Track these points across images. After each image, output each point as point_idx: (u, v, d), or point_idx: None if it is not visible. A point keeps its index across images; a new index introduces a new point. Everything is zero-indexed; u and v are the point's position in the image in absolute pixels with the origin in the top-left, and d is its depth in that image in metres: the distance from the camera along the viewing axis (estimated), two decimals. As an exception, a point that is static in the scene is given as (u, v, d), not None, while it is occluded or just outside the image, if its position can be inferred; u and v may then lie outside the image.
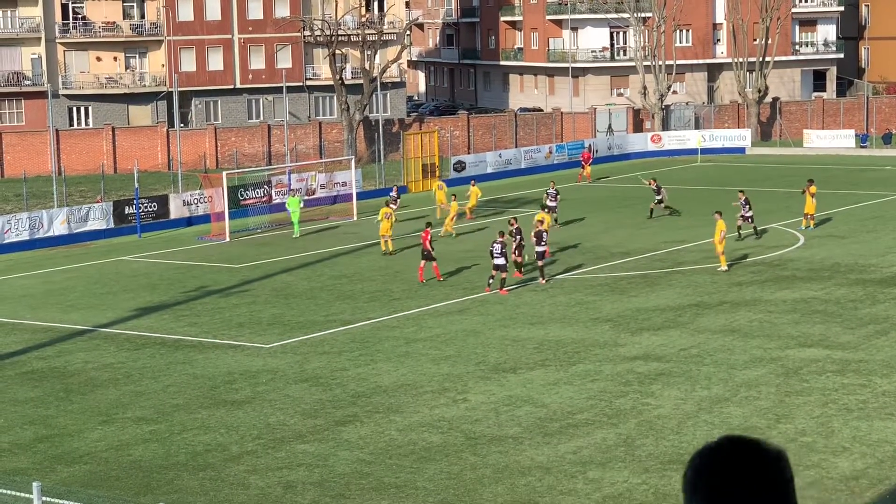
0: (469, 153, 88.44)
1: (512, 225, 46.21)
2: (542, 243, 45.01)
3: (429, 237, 45.63)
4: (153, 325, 40.34)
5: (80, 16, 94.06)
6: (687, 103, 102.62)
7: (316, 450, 27.05)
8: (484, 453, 26.47)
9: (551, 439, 27.23)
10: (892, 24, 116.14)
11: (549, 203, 57.89)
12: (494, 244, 43.34)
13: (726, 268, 45.74)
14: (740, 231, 52.61)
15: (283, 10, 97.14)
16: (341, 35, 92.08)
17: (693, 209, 62.99)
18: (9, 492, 23.94)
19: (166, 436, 28.40)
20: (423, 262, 45.72)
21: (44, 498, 20.26)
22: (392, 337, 37.49)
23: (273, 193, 67.28)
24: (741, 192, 54.86)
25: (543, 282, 44.87)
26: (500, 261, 43.05)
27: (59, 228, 58.91)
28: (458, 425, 28.42)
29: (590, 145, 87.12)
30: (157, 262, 53.05)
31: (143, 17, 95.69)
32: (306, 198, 66.33)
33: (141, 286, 47.37)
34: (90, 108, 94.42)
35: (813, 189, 54.89)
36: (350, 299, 43.40)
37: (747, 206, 52.72)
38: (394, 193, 61.39)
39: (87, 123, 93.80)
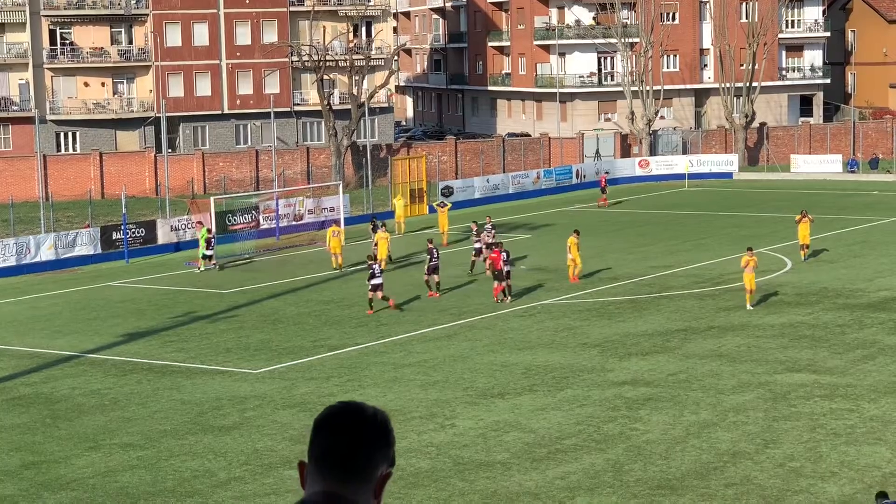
0: (457, 178, 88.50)
1: (428, 244, 49.15)
2: (506, 262, 46.21)
3: (500, 257, 46.11)
4: (140, 350, 40.23)
5: (67, 41, 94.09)
6: (674, 128, 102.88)
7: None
8: (472, 479, 26.41)
9: (539, 465, 27.18)
10: (877, 49, 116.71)
11: (487, 239, 53.47)
12: (506, 252, 46.65)
13: (750, 307, 43.60)
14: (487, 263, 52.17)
15: (270, 36, 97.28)
16: (329, 60, 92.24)
17: (681, 234, 63.09)
18: (-5, 519, 23.84)
19: (154, 462, 28.30)
20: (496, 282, 46.45)
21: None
22: (380, 362, 37.43)
23: (261, 219, 67.25)
24: (488, 217, 55.54)
25: (508, 300, 45.95)
26: (507, 268, 46.16)
27: (46, 254, 58.78)
28: (446, 451, 28.37)
29: (577, 170, 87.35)
30: (144, 288, 52.96)
31: (130, 42, 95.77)
32: (294, 223, 66.36)
33: (128, 312, 47.27)
34: (78, 134, 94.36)
35: (810, 218, 53.65)
36: (338, 325, 43.35)
37: (493, 231, 52.95)
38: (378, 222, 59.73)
39: (74, 149, 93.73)
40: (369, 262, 46.15)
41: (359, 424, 4.30)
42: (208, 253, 56.50)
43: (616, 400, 32.23)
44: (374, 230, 56.34)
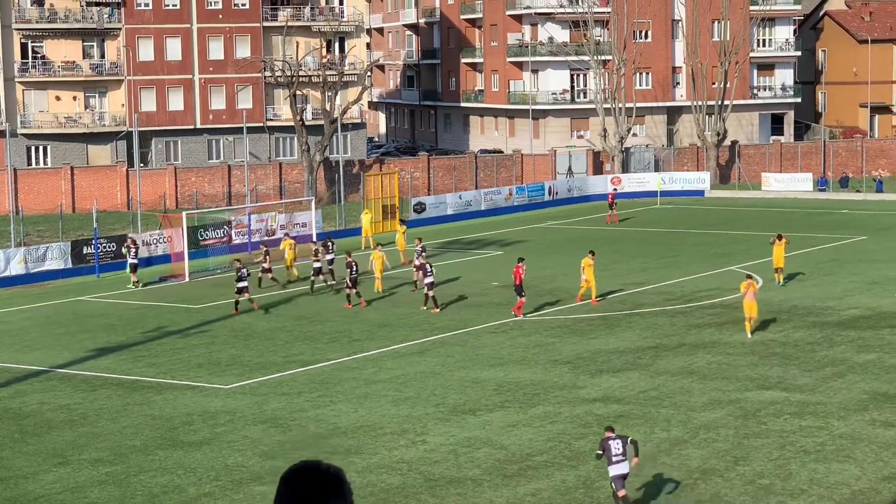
0: (429, 194, 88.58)
1: (347, 258, 50.55)
2: (430, 274, 48.54)
3: (521, 272, 46.19)
4: (111, 365, 40.05)
5: (39, 55, 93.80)
6: (647, 146, 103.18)
7: (274, 491, 26.84)
8: (443, 495, 26.39)
9: (510, 481, 27.17)
10: (848, 69, 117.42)
11: (417, 262, 53.07)
12: (428, 264, 49.52)
13: (750, 336, 41.84)
14: (416, 284, 52.25)
15: (243, 51, 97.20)
16: (302, 76, 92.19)
17: (652, 252, 63.24)
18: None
19: (123, 478, 28.16)
20: (518, 297, 46.32)
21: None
22: (351, 378, 37.38)
23: (233, 234, 67.08)
24: (418, 239, 55.22)
25: (437, 310, 47.39)
26: (430, 279, 48.44)
27: (16, 268, 58.50)
28: (417, 467, 28.34)
29: (549, 187, 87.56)
30: (115, 303, 52.74)
31: (103, 56, 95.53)
32: (266, 238, 66.27)
33: (99, 326, 47.07)
34: (49, 148, 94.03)
35: (784, 241, 52.25)
36: (309, 340, 43.27)
37: (422, 253, 52.70)
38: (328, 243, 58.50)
39: (45, 163, 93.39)
40: (237, 266, 49.29)
41: (315, 478, 5.24)
42: (133, 261, 56.25)
43: (587, 417, 32.26)
44: (327, 250, 55.87)
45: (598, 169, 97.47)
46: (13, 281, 57.91)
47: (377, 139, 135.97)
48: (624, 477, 24.92)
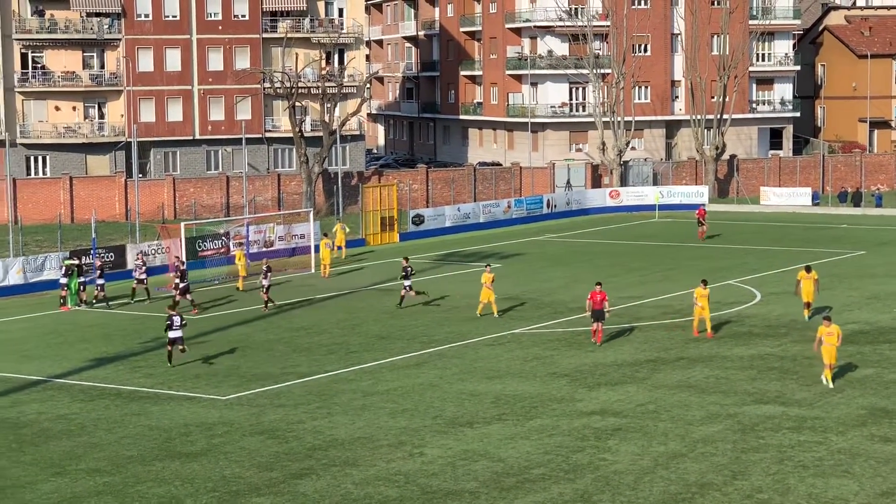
0: (428, 207, 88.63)
1: (177, 259, 54.46)
2: (268, 275, 51.87)
3: (602, 297, 43.55)
4: (108, 375, 40.04)
5: (39, 65, 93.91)
6: (645, 159, 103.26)
7: (272, 503, 26.86)
8: (440, 508, 26.35)
9: (507, 494, 27.15)
10: (847, 83, 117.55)
11: (264, 282, 52.08)
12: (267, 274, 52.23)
13: (831, 385, 36.89)
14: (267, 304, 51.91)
15: (243, 62, 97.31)
16: (301, 87, 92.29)
17: (650, 265, 63.23)
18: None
19: (120, 488, 28.13)
20: (594, 322, 43.83)
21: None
22: (349, 390, 37.36)
23: (231, 245, 67.06)
24: (265, 259, 56.66)
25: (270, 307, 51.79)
26: (267, 279, 51.69)
27: (14, 278, 58.47)
28: (414, 479, 28.31)
29: (548, 200, 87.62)
30: (113, 313, 52.71)
31: (102, 66, 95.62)
32: (264, 250, 66.12)
33: (97, 336, 47.04)
34: (48, 158, 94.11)
35: (815, 275, 47.36)
36: (307, 352, 43.23)
37: (268, 273, 52.14)
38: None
39: (44, 173, 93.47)
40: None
41: None
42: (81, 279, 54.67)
43: (585, 430, 32.24)
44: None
45: (596, 182, 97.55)
46: (12, 290, 57.88)
47: (376, 151, 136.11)
48: (178, 339, 40.33)
